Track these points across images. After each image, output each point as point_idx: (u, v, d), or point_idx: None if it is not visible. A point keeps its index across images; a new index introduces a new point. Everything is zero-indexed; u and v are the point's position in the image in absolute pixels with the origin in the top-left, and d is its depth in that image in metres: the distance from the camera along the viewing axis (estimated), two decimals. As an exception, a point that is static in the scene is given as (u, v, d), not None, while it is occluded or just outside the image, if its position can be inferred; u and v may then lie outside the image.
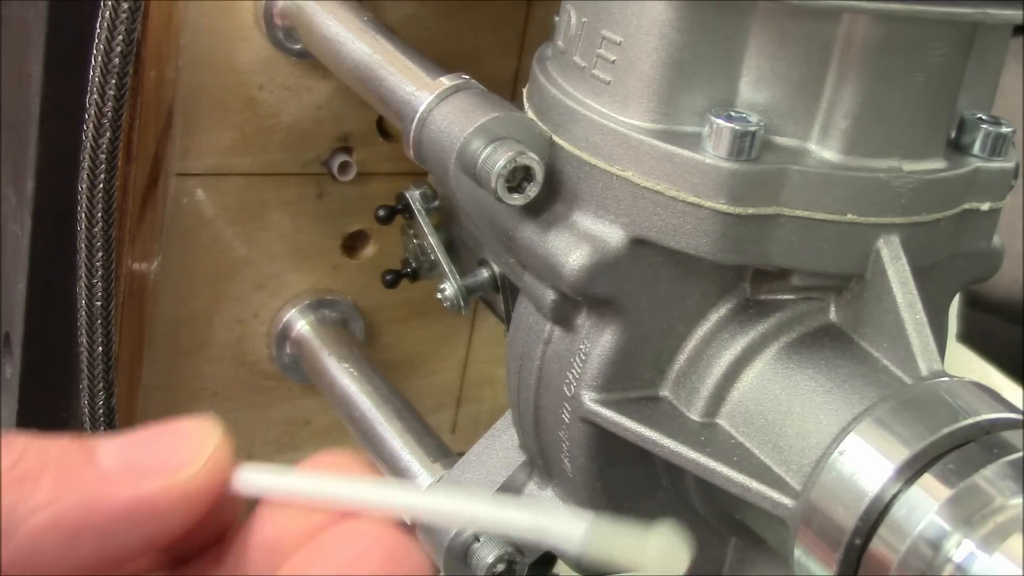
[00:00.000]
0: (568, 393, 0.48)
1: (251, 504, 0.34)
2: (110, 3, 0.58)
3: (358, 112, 0.67)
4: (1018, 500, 0.38)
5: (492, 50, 0.70)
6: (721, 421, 0.46)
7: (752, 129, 0.43)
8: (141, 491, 0.32)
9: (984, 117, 0.47)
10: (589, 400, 0.47)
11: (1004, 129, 0.47)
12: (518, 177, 0.45)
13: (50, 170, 0.66)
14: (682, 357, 0.47)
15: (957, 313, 1.04)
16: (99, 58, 0.59)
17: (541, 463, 0.52)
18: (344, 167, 0.69)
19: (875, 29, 0.43)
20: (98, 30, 0.59)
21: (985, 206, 0.48)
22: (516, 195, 0.45)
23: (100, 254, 0.63)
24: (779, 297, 0.47)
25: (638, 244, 0.45)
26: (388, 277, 0.68)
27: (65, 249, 0.64)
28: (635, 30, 0.44)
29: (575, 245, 0.45)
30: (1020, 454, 0.39)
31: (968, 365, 0.95)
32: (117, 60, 0.59)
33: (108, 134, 0.61)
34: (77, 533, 0.31)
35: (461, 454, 0.57)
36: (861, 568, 0.40)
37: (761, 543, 0.50)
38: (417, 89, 0.51)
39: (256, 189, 0.68)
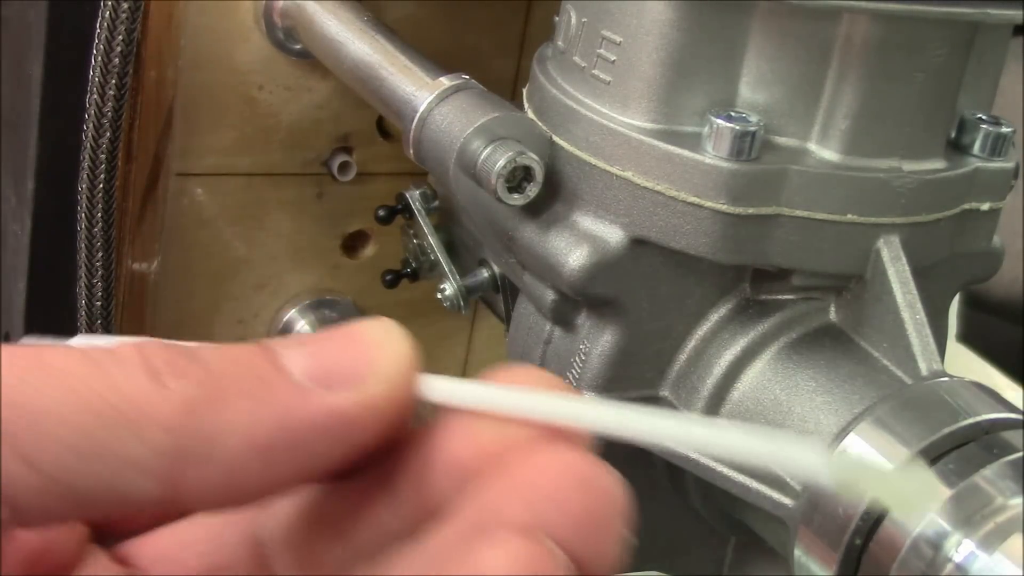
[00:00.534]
0: (568, 393, 0.48)
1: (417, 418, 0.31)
2: (110, 3, 0.58)
3: (358, 112, 0.67)
4: (1018, 500, 0.38)
5: (492, 50, 0.70)
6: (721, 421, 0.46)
7: (752, 129, 0.43)
8: (336, 403, 0.29)
9: (984, 117, 0.47)
10: (589, 400, 0.47)
11: (1004, 129, 0.47)
12: (518, 177, 0.45)
13: (50, 170, 0.66)
14: (682, 357, 0.47)
15: (957, 313, 1.03)
16: (99, 58, 0.59)
17: (541, 463, 0.52)
18: (344, 167, 0.69)
19: (875, 29, 0.43)
20: (98, 30, 0.59)
21: (985, 206, 0.48)
22: (516, 195, 0.45)
23: (100, 254, 0.63)
24: (779, 297, 0.47)
25: (638, 244, 0.45)
26: (388, 277, 0.68)
27: (65, 249, 0.64)
28: (635, 30, 0.44)
29: (575, 245, 0.45)
30: (1020, 454, 0.39)
31: (968, 365, 0.95)
32: (117, 60, 0.59)
33: (108, 134, 0.61)
34: (274, 452, 0.28)
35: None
36: (861, 568, 0.40)
37: (761, 543, 0.50)
38: (417, 89, 0.51)
39: (256, 189, 0.68)
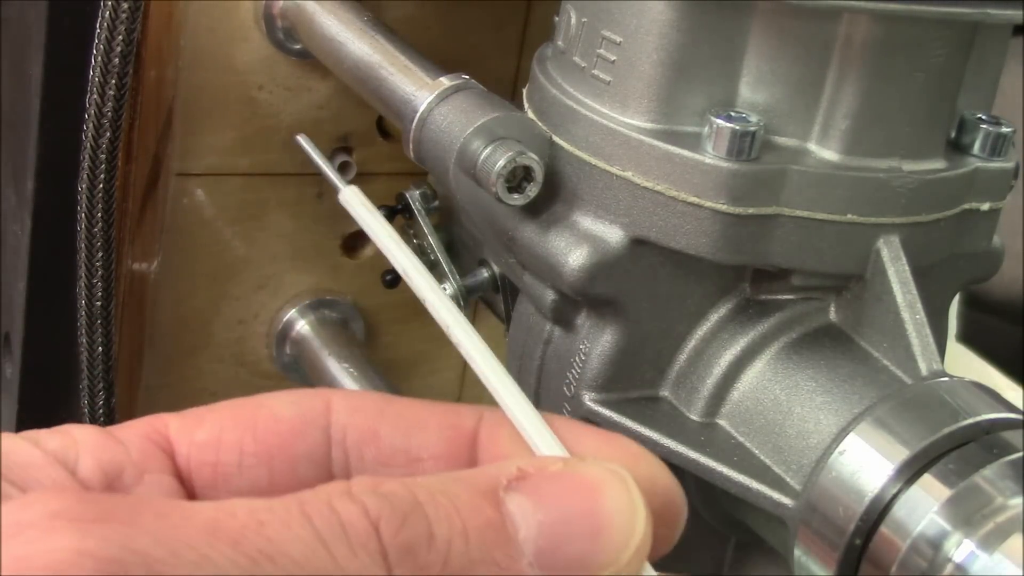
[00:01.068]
0: (568, 393, 0.48)
1: None
2: (110, 3, 0.58)
3: (358, 112, 0.67)
4: (1018, 500, 0.38)
5: (492, 50, 0.70)
6: (721, 421, 0.46)
7: (752, 129, 0.43)
8: None
9: (984, 117, 0.47)
10: (589, 400, 0.47)
11: (1004, 129, 0.47)
12: (518, 177, 0.45)
13: (50, 170, 0.66)
14: (682, 357, 0.47)
15: (957, 313, 1.03)
16: (99, 58, 0.59)
17: (541, 463, 0.52)
18: (344, 167, 0.69)
19: (875, 29, 0.43)
20: (98, 30, 0.59)
21: (985, 206, 0.48)
22: (516, 195, 0.45)
23: (100, 254, 0.63)
24: (779, 297, 0.47)
25: (638, 244, 0.45)
26: (388, 277, 0.68)
27: (65, 249, 0.64)
28: (635, 30, 0.44)
29: (575, 245, 0.45)
30: (1020, 454, 0.39)
31: (968, 365, 0.95)
32: (117, 60, 0.59)
33: (108, 134, 0.61)
34: None
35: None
36: (861, 568, 0.40)
37: (761, 543, 0.50)
38: (417, 89, 0.51)
39: (256, 189, 0.68)
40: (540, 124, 0.48)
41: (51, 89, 0.65)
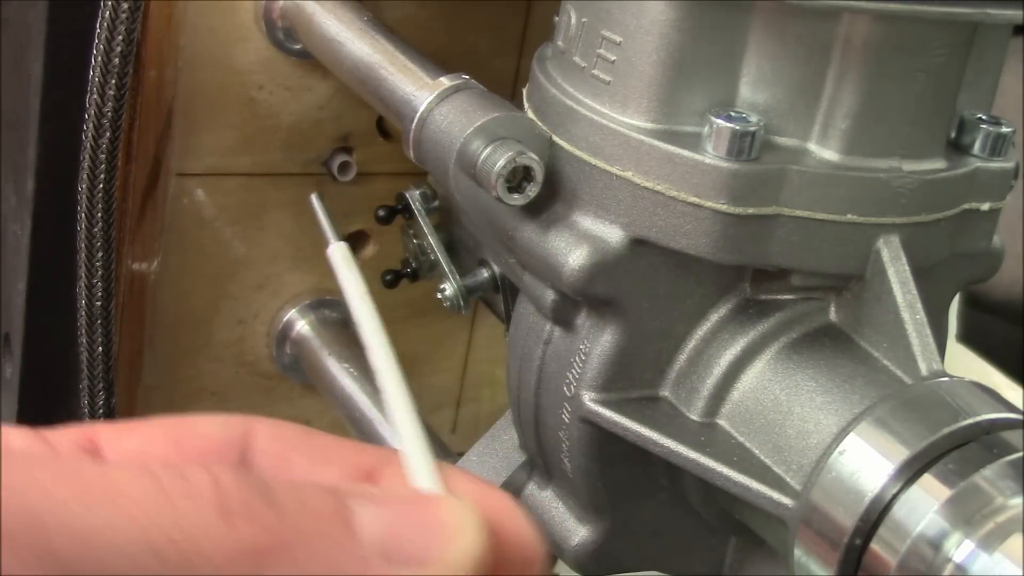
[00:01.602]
0: (568, 393, 0.48)
1: None
2: (110, 3, 0.58)
3: (358, 112, 0.67)
4: (1018, 500, 0.38)
5: (492, 50, 0.70)
6: (721, 421, 0.46)
7: (752, 129, 0.43)
8: None
9: (984, 117, 0.47)
10: (589, 400, 0.47)
11: (1004, 129, 0.47)
12: (518, 177, 0.45)
13: (50, 170, 0.66)
14: (682, 357, 0.47)
15: (957, 313, 1.04)
16: (99, 58, 0.59)
17: (541, 463, 0.52)
18: (344, 167, 0.69)
19: (875, 29, 0.43)
20: (98, 30, 0.59)
21: (985, 206, 0.48)
22: (516, 195, 0.45)
23: (100, 254, 0.63)
24: (779, 297, 0.47)
25: (638, 244, 0.45)
26: (388, 277, 0.68)
27: (65, 249, 0.64)
28: (635, 30, 0.44)
29: (575, 245, 0.45)
30: (1020, 454, 0.39)
31: (968, 365, 0.95)
32: (117, 60, 0.59)
33: (108, 134, 0.61)
34: None
35: (461, 454, 0.57)
36: (861, 568, 0.40)
37: (761, 543, 0.50)
38: (417, 89, 0.51)
39: (256, 189, 0.68)
40: (540, 124, 0.48)
41: (51, 89, 0.65)
